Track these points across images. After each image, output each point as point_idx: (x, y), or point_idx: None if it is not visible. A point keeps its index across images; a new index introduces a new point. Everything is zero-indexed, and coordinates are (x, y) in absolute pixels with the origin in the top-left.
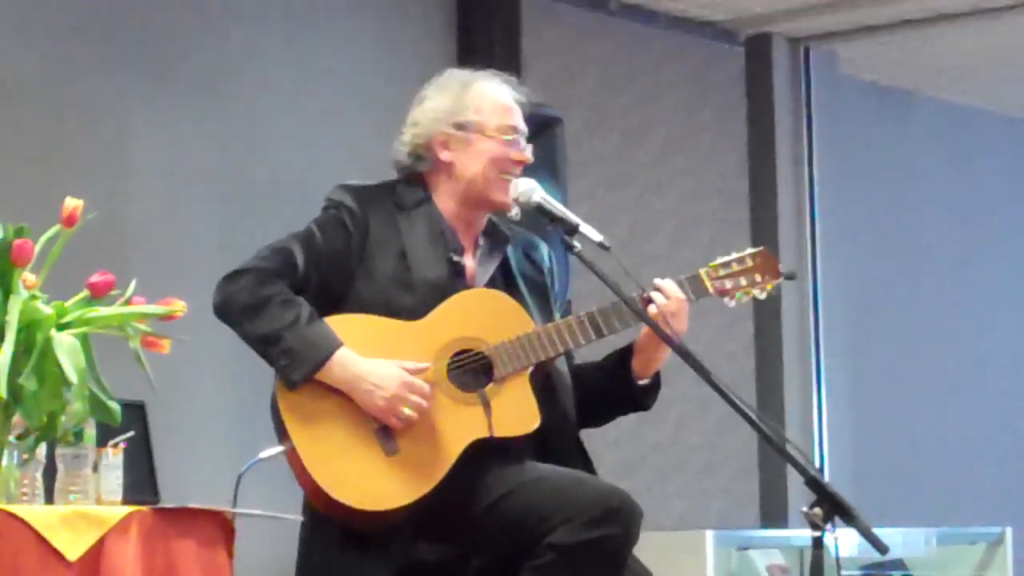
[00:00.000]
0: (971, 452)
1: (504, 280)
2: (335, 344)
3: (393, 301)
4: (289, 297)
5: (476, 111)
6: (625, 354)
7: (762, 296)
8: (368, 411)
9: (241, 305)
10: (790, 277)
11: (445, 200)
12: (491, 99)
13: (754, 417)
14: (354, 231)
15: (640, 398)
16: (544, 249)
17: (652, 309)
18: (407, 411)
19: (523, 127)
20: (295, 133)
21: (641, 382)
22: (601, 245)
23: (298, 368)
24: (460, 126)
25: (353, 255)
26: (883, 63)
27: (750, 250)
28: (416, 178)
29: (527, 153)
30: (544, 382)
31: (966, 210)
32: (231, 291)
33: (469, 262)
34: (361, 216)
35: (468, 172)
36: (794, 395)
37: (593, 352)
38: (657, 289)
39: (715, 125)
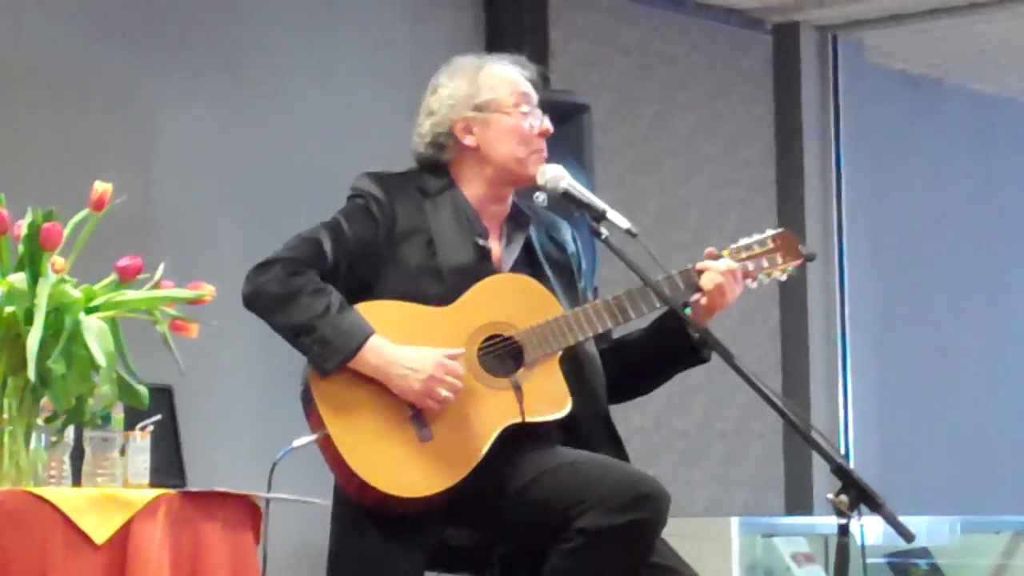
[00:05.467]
0: (997, 440)
1: (528, 262)
2: (367, 332)
3: (421, 287)
4: (319, 286)
5: (491, 89)
6: (670, 317)
7: (783, 278)
8: (403, 396)
9: (272, 296)
10: (811, 258)
11: (471, 185)
12: (502, 76)
13: (780, 404)
14: (381, 219)
15: (701, 350)
16: (567, 230)
17: (706, 283)
18: (444, 392)
19: (536, 98)
20: (322, 119)
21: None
22: (628, 232)
23: (331, 357)
24: (479, 107)
25: (381, 243)
26: (911, 51)
27: (771, 231)
28: (438, 167)
29: (546, 123)
30: (572, 366)
31: (993, 199)
32: (261, 282)
33: (495, 246)
34: (388, 204)
35: (496, 152)
36: (820, 382)
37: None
38: (705, 269)
39: (742, 112)
